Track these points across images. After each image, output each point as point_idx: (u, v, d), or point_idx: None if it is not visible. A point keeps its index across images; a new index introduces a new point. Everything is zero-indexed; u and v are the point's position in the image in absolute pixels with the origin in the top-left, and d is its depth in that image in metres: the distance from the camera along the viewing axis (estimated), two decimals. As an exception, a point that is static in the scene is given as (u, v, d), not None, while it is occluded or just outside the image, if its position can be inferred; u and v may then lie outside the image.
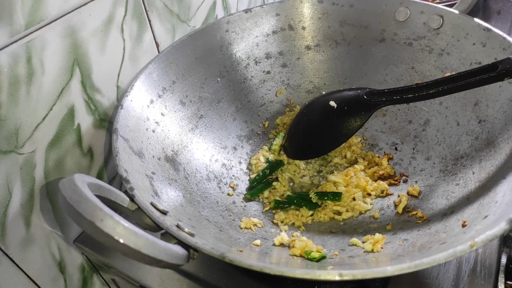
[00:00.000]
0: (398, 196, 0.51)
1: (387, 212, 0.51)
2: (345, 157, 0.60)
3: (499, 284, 0.42)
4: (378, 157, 0.58)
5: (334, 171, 0.58)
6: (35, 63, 0.42)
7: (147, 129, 0.50)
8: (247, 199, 0.55)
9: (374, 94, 0.53)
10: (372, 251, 0.43)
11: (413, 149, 0.57)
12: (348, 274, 0.30)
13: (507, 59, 0.42)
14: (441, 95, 0.46)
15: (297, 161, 0.60)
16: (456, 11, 0.54)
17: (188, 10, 0.62)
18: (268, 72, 0.67)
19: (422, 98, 0.48)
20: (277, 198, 0.55)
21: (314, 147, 0.58)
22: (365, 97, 0.53)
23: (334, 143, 0.56)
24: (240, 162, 0.60)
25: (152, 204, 0.39)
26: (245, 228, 0.49)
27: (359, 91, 0.55)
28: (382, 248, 0.43)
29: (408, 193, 0.51)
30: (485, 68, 0.44)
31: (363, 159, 0.59)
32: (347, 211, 0.52)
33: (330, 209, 0.52)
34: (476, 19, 0.52)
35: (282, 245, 0.46)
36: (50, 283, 0.51)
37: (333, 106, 0.55)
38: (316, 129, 0.56)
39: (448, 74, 0.47)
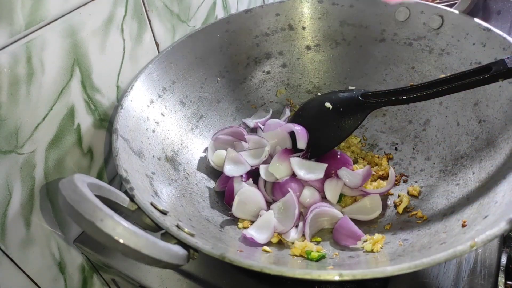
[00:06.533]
0: (399, 196, 0.51)
1: (387, 212, 0.51)
2: (345, 157, 0.60)
3: (499, 284, 0.42)
4: (378, 157, 0.58)
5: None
6: (35, 63, 0.42)
7: (147, 129, 0.50)
8: (247, 199, 0.55)
9: (369, 95, 0.53)
10: (372, 251, 0.43)
11: (413, 149, 0.57)
12: (348, 274, 0.30)
13: (500, 61, 0.43)
14: (436, 96, 0.47)
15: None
16: (456, 11, 0.54)
17: (188, 10, 0.62)
18: (268, 72, 0.67)
19: (417, 100, 0.48)
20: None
21: (310, 148, 0.57)
22: (360, 98, 0.53)
23: (330, 144, 0.55)
24: (240, 162, 0.60)
25: (152, 204, 0.39)
26: (245, 228, 0.49)
27: (354, 92, 0.55)
28: (382, 248, 0.43)
29: (408, 193, 0.51)
30: (479, 70, 0.44)
31: (363, 159, 0.59)
32: (347, 211, 0.52)
33: (330, 209, 0.52)
34: (476, 19, 0.52)
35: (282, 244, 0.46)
36: (50, 283, 0.51)
37: (329, 108, 0.55)
38: (312, 131, 0.56)
39: (443, 75, 0.47)
